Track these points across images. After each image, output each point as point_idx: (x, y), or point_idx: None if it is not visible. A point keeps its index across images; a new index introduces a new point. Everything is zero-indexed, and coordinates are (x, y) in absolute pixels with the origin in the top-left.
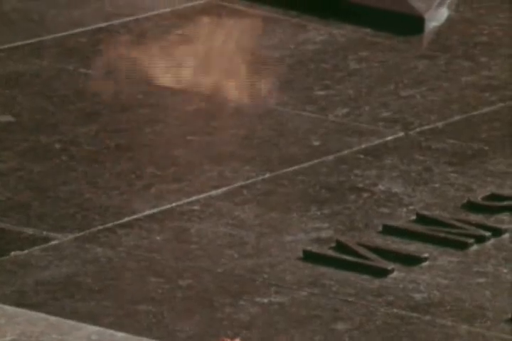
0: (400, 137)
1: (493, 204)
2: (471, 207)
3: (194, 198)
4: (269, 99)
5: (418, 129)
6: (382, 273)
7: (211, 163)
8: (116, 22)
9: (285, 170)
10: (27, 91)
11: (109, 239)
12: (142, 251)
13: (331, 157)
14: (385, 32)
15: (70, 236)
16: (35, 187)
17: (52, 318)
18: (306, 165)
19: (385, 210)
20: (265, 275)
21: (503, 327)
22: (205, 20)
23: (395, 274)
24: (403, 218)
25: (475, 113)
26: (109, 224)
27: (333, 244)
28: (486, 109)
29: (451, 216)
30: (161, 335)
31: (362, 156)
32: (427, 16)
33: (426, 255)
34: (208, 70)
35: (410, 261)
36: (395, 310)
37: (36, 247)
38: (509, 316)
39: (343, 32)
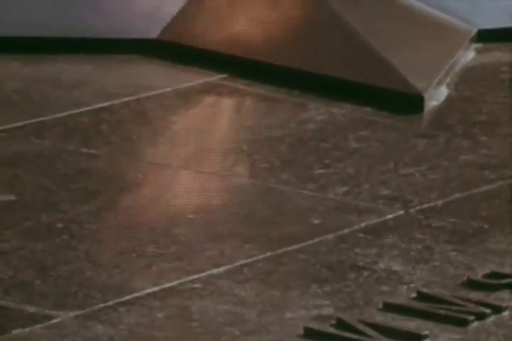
0: (399, 215)
1: (493, 282)
2: (472, 284)
3: (195, 276)
4: (270, 177)
5: (418, 207)
6: None
7: (212, 241)
8: (117, 102)
9: (286, 249)
10: (29, 170)
11: (110, 317)
12: (143, 328)
13: (331, 235)
14: (385, 111)
15: (71, 314)
16: (37, 266)
17: None
18: (306, 243)
19: (386, 288)
20: None
21: None
22: (206, 99)
23: None
24: (403, 296)
25: (475, 191)
26: (110, 302)
27: (334, 322)
28: (485, 188)
29: (452, 293)
30: None
31: (362, 235)
32: (426, 95)
33: (426, 332)
34: (210, 149)
35: (411, 338)
36: None
37: (38, 325)
38: None
39: (343, 111)
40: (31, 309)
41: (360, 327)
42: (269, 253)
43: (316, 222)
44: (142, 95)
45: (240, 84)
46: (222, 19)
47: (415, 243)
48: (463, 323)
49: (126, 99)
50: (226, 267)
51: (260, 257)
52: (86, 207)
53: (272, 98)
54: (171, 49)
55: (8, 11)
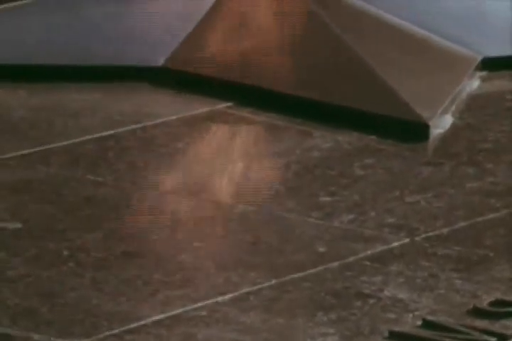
0: (405, 243)
1: (499, 310)
2: (477, 312)
3: (201, 304)
4: (275, 205)
5: (423, 235)
6: None
7: (218, 268)
8: (123, 129)
9: (291, 276)
10: (35, 198)
11: None
12: None
13: (336, 263)
14: (390, 139)
15: None
16: (43, 293)
17: None
18: (312, 271)
19: (391, 316)
20: None
21: None
22: (212, 127)
23: None
24: (409, 324)
25: (480, 219)
26: (116, 330)
27: None
28: (491, 216)
29: (457, 321)
30: None
31: (367, 262)
32: (431, 123)
33: None
34: (215, 177)
35: None
36: None
37: None
38: None
39: (348, 139)
40: (37, 337)
41: None
42: (274, 281)
43: (322, 249)
44: (148, 123)
45: (245, 112)
46: (228, 47)
47: (421, 271)
48: None
49: (132, 126)
50: (231, 295)
51: (265, 285)
52: (92, 235)
53: (278, 126)
54: (177, 77)
55: (16, 39)
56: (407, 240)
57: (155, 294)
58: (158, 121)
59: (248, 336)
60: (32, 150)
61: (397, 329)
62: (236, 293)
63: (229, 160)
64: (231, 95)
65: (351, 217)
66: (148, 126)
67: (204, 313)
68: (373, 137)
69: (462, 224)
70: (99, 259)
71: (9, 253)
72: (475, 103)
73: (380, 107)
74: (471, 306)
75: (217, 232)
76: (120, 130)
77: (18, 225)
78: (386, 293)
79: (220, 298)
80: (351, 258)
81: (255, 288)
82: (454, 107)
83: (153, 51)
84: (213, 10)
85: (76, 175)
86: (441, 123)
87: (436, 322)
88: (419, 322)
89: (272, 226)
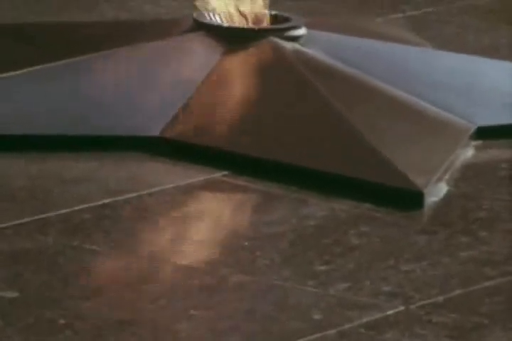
0: (400, 311)
1: None
2: None
3: None
4: (271, 273)
5: (419, 303)
6: None
7: (213, 337)
8: (119, 198)
9: None
10: (32, 267)
11: None
12: None
13: (332, 331)
14: (385, 207)
15: None
16: None
17: None
18: (307, 339)
19: None
20: None
21: None
22: (207, 196)
23: None
24: None
25: (475, 287)
26: None
27: None
28: (486, 284)
29: None
30: None
31: (363, 330)
32: (426, 191)
33: None
34: (211, 246)
35: None
36: None
37: None
38: None
39: (343, 207)
40: None
41: None
42: None
43: (317, 317)
44: (144, 192)
45: (241, 181)
46: (222, 117)
47: (416, 338)
48: None
49: (128, 195)
50: None
51: None
52: (88, 303)
53: (273, 194)
54: (173, 146)
55: (11, 110)
56: (402, 308)
57: None
58: (154, 189)
59: None
60: (29, 219)
61: None
62: None
63: (225, 229)
64: (227, 164)
65: (347, 285)
66: (144, 194)
67: None
68: (368, 205)
69: (457, 292)
70: (96, 327)
71: (5, 322)
72: (469, 171)
73: (375, 175)
74: None
75: (213, 301)
76: (116, 198)
77: (15, 294)
78: None
79: None
80: (347, 326)
81: None
82: (448, 175)
83: (150, 120)
84: (208, 79)
85: (73, 244)
86: (436, 192)
87: None
88: None
89: (268, 294)
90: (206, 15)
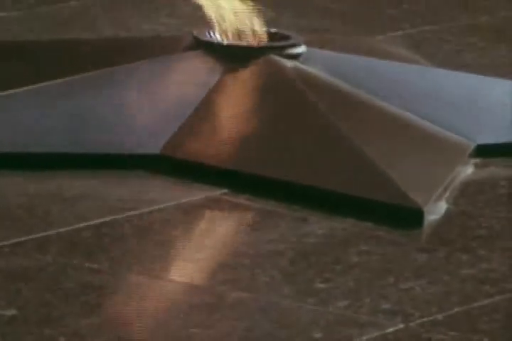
0: (400, 329)
1: None
2: None
3: None
4: (271, 291)
5: (418, 321)
6: None
7: None
8: (119, 216)
9: None
10: (31, 285)
11: None
12: None
13: None
14: (385, 225)
15: None
16: None
17: None
18: None
19: None
20: None
21: None
22: (207, 214)
23: None
24: None
25: (475, 305)
26: None
27: None
28: (485, 301)
29: None
30: None
31: None
32: (425, 209)
33: None
34: (211, 264)
35: None
36: None
37: None
38: None
39: (343, 225)
40: None
41: None
42: None
43: (317, 335)
44: (144, 210)
45: (241, 199)
46: (223, 134)
47: None
48: None
49: (128, 213)
50: None
51: None
52: (88, 321)
53: (273, 212)
54: (173, 164)
55: (11, 128)
56: (402, 326)
57: None
58: (154, 207)
59: None
60: (28, 237)
61: None
62: None
63: (225, 247)
64: (227, 182)
65: (346, 303)
66: (144, 212)
67: None
68: (368, 223)
69: (457, 309)
70: None
71: (4, 340)
72: (469, 189)
73: (375, 193)
74: None
75: (213, 319)
76: (116, 217)
77: (14, 312)
78: None
79: None
80: None
81: None
82: (448, 193)
83: (150, 138)
84: (209, 97)
85: (72, 262)
86: (436, 210)
87: None
88: None
89: (267, 312)
90: (206, 33)
